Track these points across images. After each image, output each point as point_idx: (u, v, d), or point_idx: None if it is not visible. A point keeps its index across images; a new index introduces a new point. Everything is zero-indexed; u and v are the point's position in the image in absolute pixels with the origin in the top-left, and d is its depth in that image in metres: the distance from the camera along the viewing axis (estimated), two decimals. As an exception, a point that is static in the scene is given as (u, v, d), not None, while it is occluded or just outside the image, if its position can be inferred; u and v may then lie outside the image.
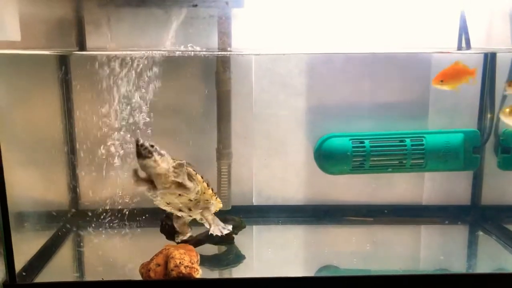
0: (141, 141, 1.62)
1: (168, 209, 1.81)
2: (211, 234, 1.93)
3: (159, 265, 1.62)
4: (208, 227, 1.84)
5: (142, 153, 1.62)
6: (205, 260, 1.85)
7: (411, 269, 1.89)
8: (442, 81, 2.00)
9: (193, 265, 1.61)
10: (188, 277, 1.59)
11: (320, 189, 2.32)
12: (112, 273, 1.79)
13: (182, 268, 1.59)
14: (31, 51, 1.87)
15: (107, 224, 2.13)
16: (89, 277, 1.80)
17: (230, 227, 1.86)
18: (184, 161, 1.71)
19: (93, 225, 2.13)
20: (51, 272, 1.80)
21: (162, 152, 1.66)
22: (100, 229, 2.11)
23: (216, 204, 1.87)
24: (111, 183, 2.13)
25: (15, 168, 1.84)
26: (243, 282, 1.65)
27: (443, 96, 2.23)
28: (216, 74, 2.14)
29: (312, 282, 1.68)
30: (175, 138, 2.22)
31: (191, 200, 1.76)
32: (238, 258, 1.95)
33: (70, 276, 1.80)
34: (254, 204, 2.33)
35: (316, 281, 1.71)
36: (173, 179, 1.66)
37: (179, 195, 1.71)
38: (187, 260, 1.61)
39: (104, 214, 2.14)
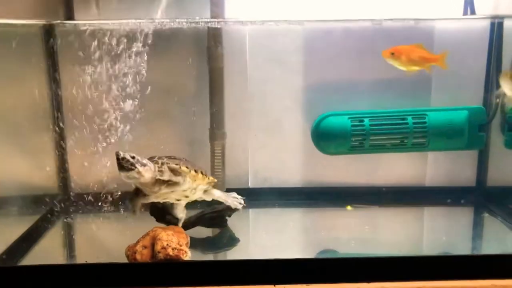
0: (121, 154, 1.52)
1: (166, 201, 1.77)
2: (203, 216, 1.87)
3: (145, 247, 1.55)
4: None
5: (125, 166, 1.53)
6: (197, 243, 1.79)
7: (413, 252, 1.81)
8: (393, 53, 1.89)
9: (181, 247, 1.53)
10: (176, 260, 1.51)
11: (318, 171, 2.24)
12: (99, 256, 1.72)
13: (169, 250, 1.51)
14: (12, 20, 1.77)
15: (95, 207, 2.06)
16: (75, 260, 1.73)
17: (241, 199, 1.89)
18: (163, 159, 1.65)
19: (81, 209, 2.06)
20: (35, 256, 1.73)
21: (144, 161, 1.57)
22: (88, 212, 2.05)
23: (211, 182, 1.83)
24: (100, 164, 2.07)
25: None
26: (232, 264, 1.56)
27: (447, 72, 2.12)
28: (207, 50, 2.05)
29: (308, 263, 1.60)
30: (166, 118, 2.14)
31: (185, 190, 1.71)
32: (232, 241, 1.88)
33: (55, 260, 1.73)
34: (250, 186, 2.26)
35: (312, 262, 1.62)
36: (159, 178, 1.61)
37: (172, 191, 1.67)
38: (175, 242, 1.54)
39: (93, 196, 2.08)
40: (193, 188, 1.73)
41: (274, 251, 1.81)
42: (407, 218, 2.18)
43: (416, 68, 1.92)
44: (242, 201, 1.88)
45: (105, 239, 1.92)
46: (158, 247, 1.52)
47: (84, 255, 1.70)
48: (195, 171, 1.70)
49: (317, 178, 2.25)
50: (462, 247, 1.88)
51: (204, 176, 1.75)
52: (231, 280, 1.49)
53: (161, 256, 1.51)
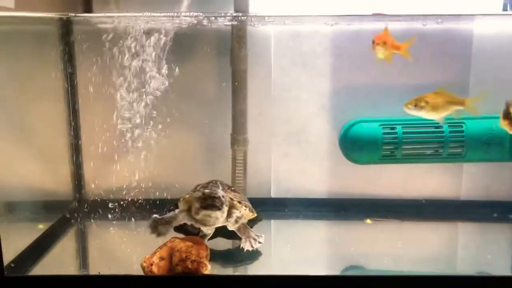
0: (219, 193, 1.47)
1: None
2: (223, 227, 1.76)
3: (163, 259, 1.44)
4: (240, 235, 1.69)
5: (216, 205, 1.46)
6: (216, 256, 1.68)
7: (447, 271, 1.69)
8: (383, 43, 1.76)
9: (201, 260, 1.42)
10: (195, 273, 1.40)
11: (345, 181, 2.12)
12: (113, 267, 1.62)
13: (188, 262, 1.40)
14: (27, 13, 1.70)
15: (111, 216, 1.97)
16: (88, 271, 1.63)
17: (262, 240, 1.68)
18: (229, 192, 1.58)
19: (96, 216, 1.97)
20: (46, 265, 1.64)
21: (226, 201, 1.51)
22: (104, 220, 1.96)
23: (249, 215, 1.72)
24: (118, 170, 1.98)
25: (8, 152, 1.69)
26: (257, 279, 1.45)
27: (485, 77, 2.00)
28: (231, 51, 1.95)
29: (336, 281, 1.48)
30: (186, 122, 2.04)
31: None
32: (253, 254, 1.74)
33: (67, 270, 1.63)
34: (272, 196, 2.15)
35: (340, 280, 1.50)
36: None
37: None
38: (195, 254, 1.43)
39: (109, 204, 1.99)
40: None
41: (297, 266, 1.70)
42: (441, 233, 2.03)
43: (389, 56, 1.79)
44: (257, 243, 1.68)
45: (122, 249, 1.81)
46: (176, 259, 1.42)
47: (98, 266, 1.61)
48: (250, 210, 1.66)
49: (344, 189, 2.13)
50: (500, 268, 1.73)
51: (252, 213, 1.69)
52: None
53: (179, 268, 1.40)
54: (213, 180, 1.66)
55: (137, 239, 1.89)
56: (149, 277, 1.42)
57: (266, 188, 2.14)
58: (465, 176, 2.11)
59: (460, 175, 2.11)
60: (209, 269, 1.45)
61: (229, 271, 1.67)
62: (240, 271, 1.68)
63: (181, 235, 1.69)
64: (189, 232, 1.71)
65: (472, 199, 2.12)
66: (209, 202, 1.45)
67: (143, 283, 1.39)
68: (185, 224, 1.73)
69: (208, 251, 1.56)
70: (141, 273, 1.46)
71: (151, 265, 1.44)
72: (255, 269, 1.67)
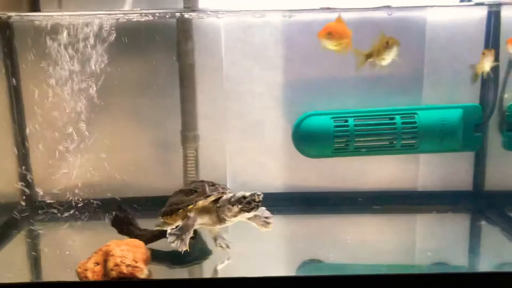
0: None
1: None
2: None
3: (97, 264, 1.41)
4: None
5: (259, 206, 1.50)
6: (163, 257, 1.63)
7: (404, 264, 1.68)
8: (330, 33, 1.68)
9: (137, 264, 1.39)
10: (130, 278, 1.37)
11: (301, 175, 2.09)
12: (52, 272, 1.58)
13: (123, 267, 1.37)
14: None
15: (59, 217, 1.93)
16: (26, 278, 1.58)
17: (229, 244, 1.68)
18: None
19: (43, 218, 1.93)
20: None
21: None
22: (51, 222, 1.91)
23: None
24: (67, 170, 1.94)
25: None
26: (197, 283, 1.41)
27: (439, 67, 1.98)
28: (177, 45, 1.89)
29: (288, 282, 1.46)
30: (135, 119, 1.99)
31: None
32: (203, 253, 1.71)
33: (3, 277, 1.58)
34: (228, 192, 2.10)
35: (292, 281, 1.47)
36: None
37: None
38: (130, 258, 1.39)
39: (57, 205, 1.94)
40: None
41: (252, 264, 1.66)
42: (398, 225, 2.02)
43: (347, 49, 1.73)
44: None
45: (67, 253, 1.77)
46: (110, 264, 1.38)
47: (35, 272, 1.56)
48: None
49: (300, 183, 2.11)
50: (456, 259, 1.72)
51: None
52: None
53: (114, 274, 1.37)
54: (209, 181, 1.66)
55: (86, 241, 1.85)
56: (83, 282, 1.38)
57: (221, 183, 2.09)
58: (422, 167, 2.09)
59: (417, 166, 2.09)
60: (146, 273, 1.41)
61: (175, 272, 1.61)
62: (187, 272, 1.63)
63: (126, 237, 1.65)
64: (132, 233, 1.67)
65: (429, 190, 2.10)
66: (254, 205, 1.47)
67: (75, 290, 1.35)
68: (130, 225, 1.70)
69: (149, 254, 1.53)
70: (76, 279, 1.42)
71: (86, 270, 1.40)
72: (203, 270, 1.63)
